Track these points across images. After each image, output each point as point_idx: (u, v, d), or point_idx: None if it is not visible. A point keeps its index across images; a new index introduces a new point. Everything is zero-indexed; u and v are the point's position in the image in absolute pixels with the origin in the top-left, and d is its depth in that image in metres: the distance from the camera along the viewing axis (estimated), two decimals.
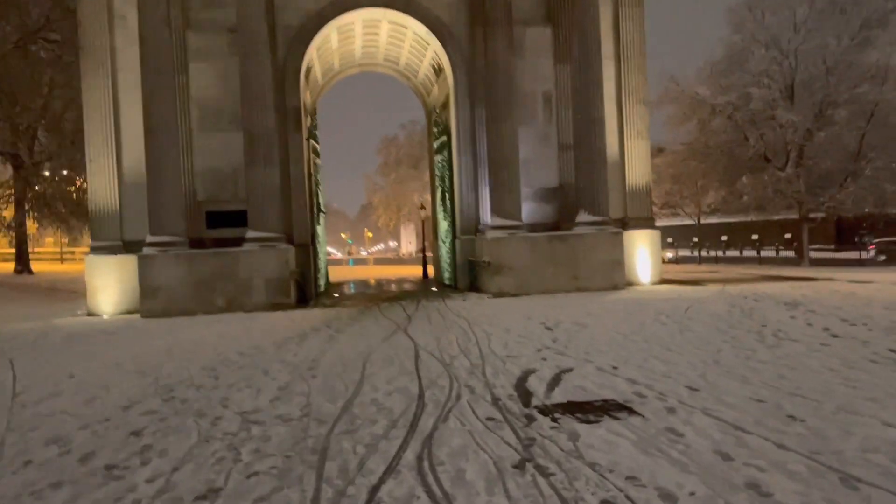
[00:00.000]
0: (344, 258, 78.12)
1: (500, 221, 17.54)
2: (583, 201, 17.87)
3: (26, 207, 37.57)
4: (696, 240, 44.19)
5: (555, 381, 6.69)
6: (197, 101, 18.40)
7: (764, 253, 40.74)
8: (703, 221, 38.28)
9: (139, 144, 17.31)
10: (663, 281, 19.51)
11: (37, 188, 36.18)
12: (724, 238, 43.59)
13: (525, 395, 6.18)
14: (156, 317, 16.17)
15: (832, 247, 40.87)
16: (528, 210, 18.48)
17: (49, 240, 63.47)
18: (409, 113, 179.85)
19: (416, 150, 57.82)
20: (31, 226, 49.34)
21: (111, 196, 18.09)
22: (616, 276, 17.56)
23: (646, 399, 5.90)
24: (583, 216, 17.84)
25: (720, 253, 41.16)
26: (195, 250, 16.86)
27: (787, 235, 41.82)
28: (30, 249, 40.15)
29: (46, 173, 36.86)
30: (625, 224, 19.00)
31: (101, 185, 18.04)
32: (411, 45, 21.19)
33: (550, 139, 19.37)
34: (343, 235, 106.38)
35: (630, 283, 18.23)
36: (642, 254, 19.09)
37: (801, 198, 26.60)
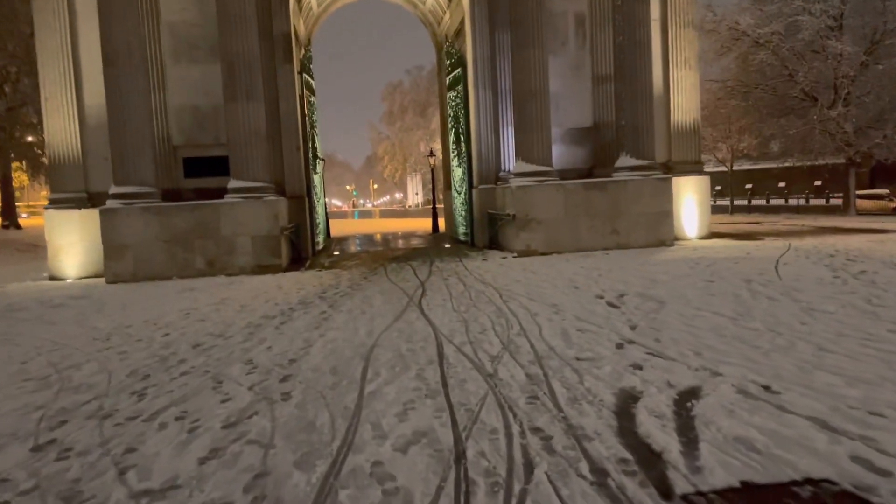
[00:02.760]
0: (348, 211, 75.14)
1: (526, 167, 14.60)
2: (624, 142, 14.89)
3: (11, 156, 34.79)
4: (718, 188, 41.06)
5: (686, 423, 3.87)
6: (169, 26, 15.33)
7: (791, 201, 37.72)
8: (723, 169, 35.10)
9: (102, 78, 14.30)
10: (712, 235, 16.63)
11: (17, 135, 33.26)
12: (748, 186, 40.44)
13: (650, 463, 3.38)
14: (123, 281, 13.46)
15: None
16: (558, 154, 15.52)
17: (44, 193, 60.65)
18: (416, 56, 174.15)
19: (423, 95, 54.40)
20: (21, 177, 46.44)
21: (72, 140, 15.18)
22: (663, 231, 14.68)
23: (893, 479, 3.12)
24: (624, 160, 14.88)
25: (744, 202, 38.07)
26: (169, 203, 14.00)
27: (817, 183, 38.69)
28: (26, 202, 37.48)
29: (34, 121, 33.96)
30: (669, 169, 16.06)
31: (60, 127, 15.12)
32: None
33: (583, 70, 16.27)
34: (348, 188, 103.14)
35: (675, 238, 15.37)
36: (689, 204, 16.18)
37: (849, 140, 23.51)
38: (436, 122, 51.61)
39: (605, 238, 14.51)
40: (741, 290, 8.31)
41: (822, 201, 36.66)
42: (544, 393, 4.57)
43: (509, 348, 5.94)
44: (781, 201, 38.90)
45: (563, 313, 7.45)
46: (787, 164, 37.10)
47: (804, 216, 26.50)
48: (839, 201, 33.97)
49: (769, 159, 39.26)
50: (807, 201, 36.55)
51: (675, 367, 5.04)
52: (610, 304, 7.83)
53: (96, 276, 14.76)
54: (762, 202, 39.35)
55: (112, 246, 13.58)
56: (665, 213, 14.67)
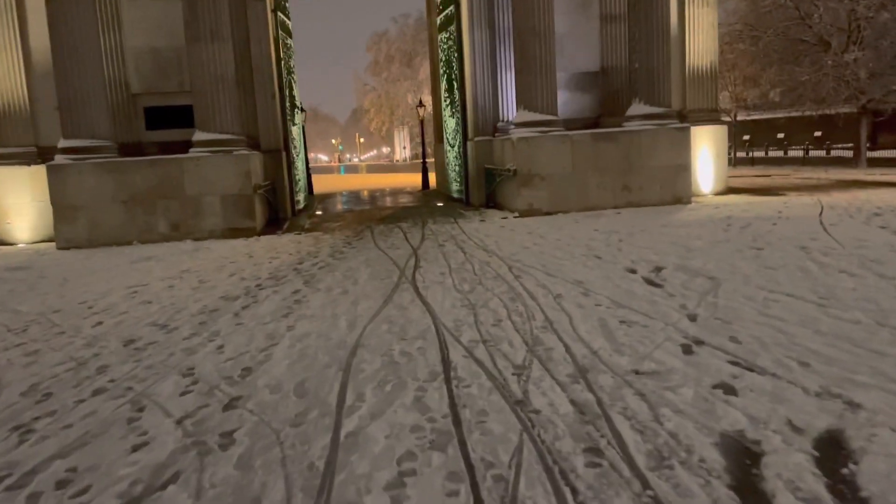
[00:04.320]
0: (334, 166, 72.87)
1: (528, 116, 12.88)
2: (637, 88, 13.17)
3: None
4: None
5: None
6: None
7: (790, 153, 36.08)
8: (726, 119, 33.41)
9: None
10: (729, 190, 15.07)
11: None
12: (745, 138, 38.74)
13: None
14: (77, 247, 11.78)
15: (867, 146, 36.17)
16: (562, 102, 13.75)
17: None
18: (403, 3, 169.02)
19: (410, 45, 51.91)
20: None
21: (16, 87, 13.25)
22: (680, 186, 13.09)
23: None
24: (637, 107, 13.19)
25: (742, 154, 36.41)
26: (126, 158, 12.21)
27: (817, 133, 37.04)
28: None
29: None
30: (683, 118, 14.38)
31: (4, 73, 13.17)
32: None
33: (591, 8, 14.43)
34: (333, 142, 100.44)
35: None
36: (705, 156, 14.57)
37: (862, 87, 21.82)
38: (424, 73, 49.27)
39: (616, 195, 12.91)
40: (803, 260, 6.78)
41: (821, 153, 35.08)
42: (609, 443, 3.02)
43: (537, 352, 4.39)
44: (780, 153, 37.26)
45: (594, 295, 5.88)
46: (786, 115, 35.35)
47: (813, 168, 24.95)
48: (841, 153, 32.41)
49: (765, 109, 37.55)
50: (806, 153, 34.95)
51: (784, 389, 3.51)
52: (649, 282, 6.27)
53: (50, 240, 13.03)
54: (760, 154, 37.73)
55: (62, 207, 11.84)
56: (682, 167, 13.06)
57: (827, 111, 23.39)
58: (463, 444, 3.11)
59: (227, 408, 3.76)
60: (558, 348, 4.43)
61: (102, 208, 11.89)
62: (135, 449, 3.29)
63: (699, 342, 4.39)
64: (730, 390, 3.54)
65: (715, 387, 3.60)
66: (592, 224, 10.92)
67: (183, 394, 4.04)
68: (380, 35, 57.31)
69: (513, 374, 3.99)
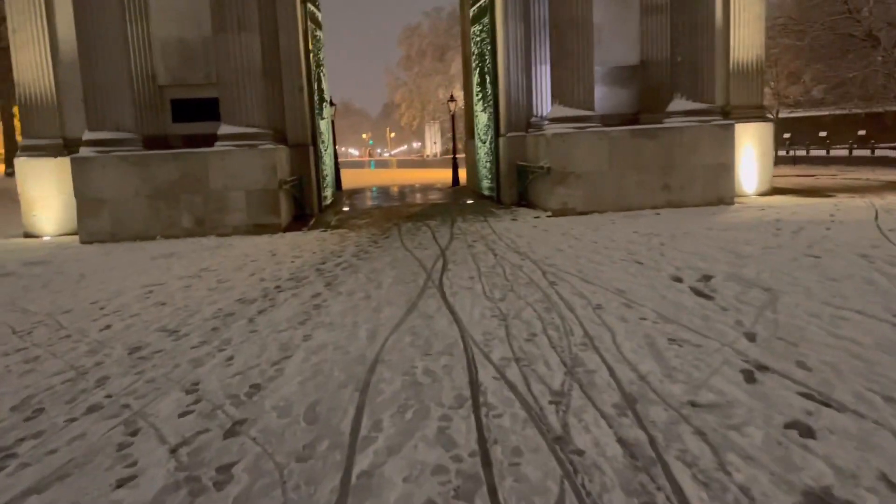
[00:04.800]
0: (365, 160, 72.72)
1: (564, 111, 12.33)
2: (679, 82, 12.54)
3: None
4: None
5: None
6: None
7: (833, 152, 34.87)
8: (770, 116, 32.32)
9: None
10: (774, 191, 14.35)
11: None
12: (785, 136, 37.57)
13: None
14: (100, 241, 11.56)
15: None
16: (599, 96, 13.13)
17: None
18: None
19: (442, 39, 51.40)
20: None
21: (44, 78, 13.07)
22: (723, 186, 12.44)
23: None
24: (678, 103, 12.55)
25: (783, 153, 35.28)
26: (150, 151, 11.94)
27: (861, 132, 35.75)
28: None
29: None
30: (726, 115, 13.68)
31: (30, 62, 12.99)
32: None
33: None
34: (364, 136, 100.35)
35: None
36: (749, 155, 13.87)
37: None
38: (455, 67, 48.75)
39: (655, 195, 12.31)
40: (868, 271, 6.17)
41: (866, 152, 33.83)
42: (668, 499, 2.53)
43: (577, 375, 3.90)
44: (822, 152, 36.04)
45: (637, 306, 5.37)
46: (829, 113, 34.20)
47: (859, 168, 23.94)
48: (887, 152, 31.27)
49: (808, 106, 36.36)
50: (850, 152, 33.73)
51: (872, 432, 2.98)
52: (697, 293, 5.73)
53: (76, 233, 12.82)
54: (802, 153, 36.53)
55: (86, 200, 11.61)
56: (725, 166, 12.40)
57: (875, 109, 22.40)
58: (493, 492, 2.64)
59: (228, 434, 3.34)
60: (601, 371, 3.94)
61: (126, 202, 11.64)
62: (120, 484, 2.89)
63: (762, 367, 3.86)
64: (806, 432, 3.02)
65: (788, 426, 3.09)
66: (631, 225, 10.36)
67: (183, 415, 3.63)
68: (412, 29, 56.90)
69: (550, 403, 3.51)
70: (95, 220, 11.62)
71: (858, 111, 23.54)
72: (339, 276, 7.50)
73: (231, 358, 4.60)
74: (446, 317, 5.43)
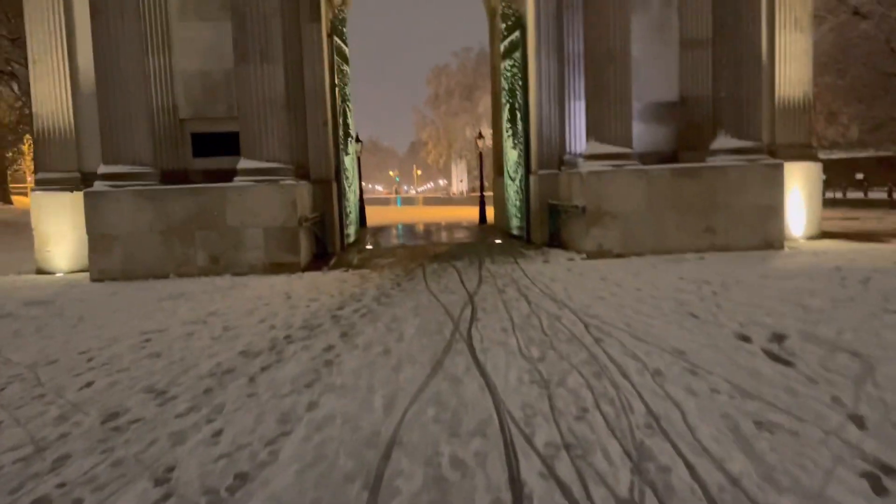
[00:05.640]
0: (391, 197, 72.47)
1: (600, 148, 11.55)
2: (723, 119, 11.70)
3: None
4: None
5: None
6: None
7: (872, 195, 33.55)
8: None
9: None
10: (823, 234, 13.34)
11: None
12: (822, 177, 36.46)
13: None
14: (111, 279, 10.93)
15: None
16: (636, 133, 12.28)
17: None
18: (464, 36, 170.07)
19: (470, 78, 51.29)
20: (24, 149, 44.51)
21: (63, 110, 12.66)
22: (771, 230, 11.49)
23: None
24: (722, 141, 11.71)
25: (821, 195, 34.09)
26: (165, 186, 11.36)
27: None
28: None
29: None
30: (771, 153, 12.77)
31: (49, 94, 12.59)
32: None
33: (669, 32, 13.08)
34: (391, 173, 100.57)
35: None
36: (796, 196, 12.93)
37: None
38: (483, 106, 48.45)
39: (698, 237, 11.40)
40: None
41: None
42: None
43: (647, 473, 3.02)
44: (860, 194, 34.77)
45: (705, 374, 4.47)
46: (865, 154, 33.07)
47: None
48: None
49: (845, 148, 35.21)
50: (889, 195, 32.44)
51: None
52: (773, 356, 4.82)
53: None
54: (838, 195, 35.29)
55: (98, 236, 11.02)
56: (774, 208, 11.47)
57: (875, 154, 21.34)
58: None
59: None
60: (678, 468, 3.05)
61: (139, 238, 11.03)
62: None
63: (888, 470, 2.95)
64: None
65: None
66: (674, 270, 9.45)
67: None
68: (440, 69, 56.96)
69: None
70: (107, 257, 11.00)
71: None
72: (357, 324, 6.69)
73: (219, 432, 3.79)
74: (477, 381, 4.58)
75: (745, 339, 5.37)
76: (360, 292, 8.79)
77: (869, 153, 29.30)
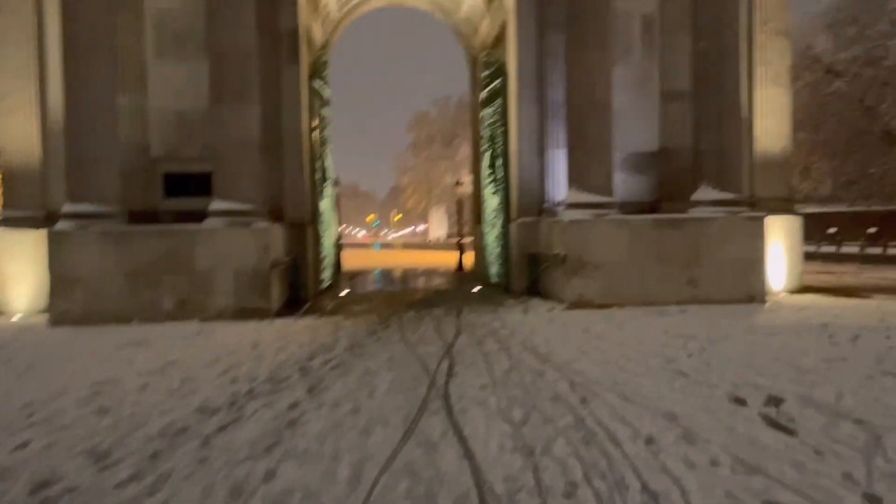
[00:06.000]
0: (369, 242, 72.15)
1: (581, 197, 11.35)
2: (705, 171, 11.60)
3: None
4: None
5: None
6: (153, 15, 12.41)
7: (844, 249, 33.82)
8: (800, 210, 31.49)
9: None
10: (803, 289, 13.18)
11: None
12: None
13: None
14: (72, 323, 10.31)
15: None
16: (616, 183, 12.16)
17: None
18: (446, 82, 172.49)
19: (450, 126, 51.63)
20: None
21: (31, 146, 12.22)
22: (753, 283, 11.30)
23: None
24: (704, 192, 11.58)
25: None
26: (132, 227, 10.90)
27: (871, 230, 34.82)
28: None
29: None
30: (751, 206, 12.67)
31: (18, 130, 12.16)
32: None
33: (650, 84, 13.07)
34: (369, 218, 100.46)
35: None
36: (776, 249, 12.79)
37: None
38: (462, 154, 48.69)
39: (680, 289, 11.15)
40: None
41: (877, 250, 32.79)
42: None
43: None
44: (832, 248, 35.05)
45: (702, 442, 4.10)
46: (836, 210, 33.44)
47: (876, 267, 22.86)
48: None
49: (817, 202, 35.69)
50: (862, 250, 32.75)
51: None
52: (772, 423, 4.47)
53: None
54: (811, 249, 35.57)
55: (59, 278, 10.46)
56: (756, 261, 11.30)
57: (892, 207, 21.53)
58: None
59: None
60: None
61: (103, 281, 10.50)
62: None
63: None
64: None
65: None
66: (658, 323, 9.15)
67: None
68: (421, 116, 57.36)
69: None
70: (68, 300, 10.43)
71: (877, 208, 22.63)
72: (326, 378, 6.24)
73: None
74: (454, 447, 4.16)
75: (740, 402, 5.01)
76: (332, 341, 8.34)
77: (841, 208, 29.65)
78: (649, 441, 4.15)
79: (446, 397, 5.41)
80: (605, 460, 3.84)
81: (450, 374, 6.31)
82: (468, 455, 4.01)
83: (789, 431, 4.29)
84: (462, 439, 4.30)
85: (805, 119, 21.93)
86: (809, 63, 20.48)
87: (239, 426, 4.72)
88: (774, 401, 4.96)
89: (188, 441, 4.41)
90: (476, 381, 5.94)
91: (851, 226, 36.05)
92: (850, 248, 34.37)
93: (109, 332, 9.56)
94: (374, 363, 6.90)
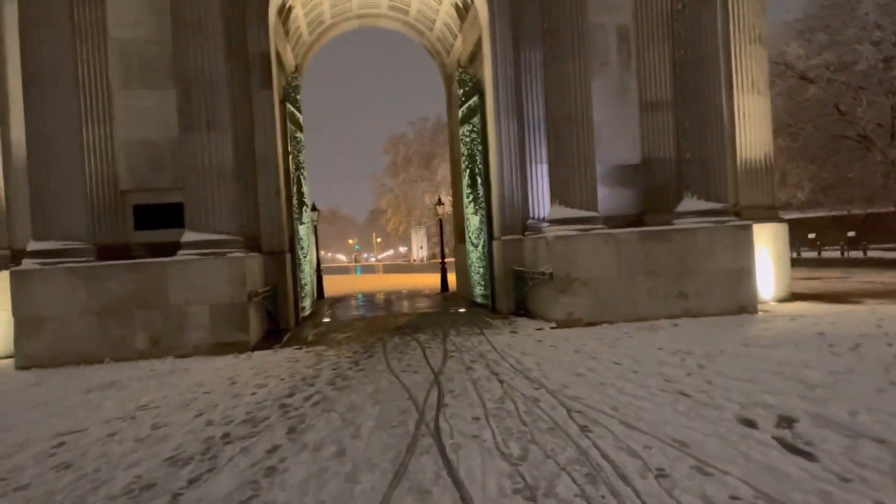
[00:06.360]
0: (351, 266, 71.61)
1: (565, 212, 11.09)
2: (689, 181, 11.39)
3: None
4: None
5: None
6: (119, 44, 12.06)
7: (826, 254, 34.00)
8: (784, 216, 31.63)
9: None
10: (793, 297, 12.98)
11: None
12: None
13: None
14: (39, 366, 9.87)
15: None
16: (600, 197, 11.88)
17: None
18: (423, 100, 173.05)
19: (427, 147, 51.52)
20: None
21: None
22: (744, 293, 11.06)
23: None
24: (689, 203, 11.36)
25: None
26: (102, 262, 10.43)
27: (851, 234, 35.07)
28: None
29: None
30: (736, 215, 12.46)
31: None
32: None
33: (629, 96, 12.90)
34: (350, 242, 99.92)
35: None
36: (764, 258, 12.56)
37: None
38: (441, 174, 48.51)
39: (670, 303, 10.88)
40: None
41: (858, 253, 32.97)
42: None
43: None
44: (814, 254, 35.22)
45: (718, 473, 3.77)
46: (815, 215, 33.72)
47: (861, 270, 22.81)
48: (881, 254, 30.62)
49: (796, 208, 35.89)
50: (842, 254, 32.90)
51: None
52: (788, 447, 4.15)
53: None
54: (793, 255, 35.70)
55: (25, 319, 9.98)
56: (746, 271, 11.07)
57: (872, 210, 21.56)
58: None
59: None
60: None
61: (71, 320, 10.02)
62: None
63: None
64: None
65: None
66: (651, 339, 8.85)
67: None
68: (397, 138, 57.22)
69: None
70: (35, 342, 9.95)
71: (857, 212, 22.66)
72: (308, 416, 5.84)
73: None
74: (449, 492, 3.79)
75: (751, 423, 4.70)
76: (313, 374, 7.94)
77: (820, 213, 29.76)
78: (661, 474, 3.81)
79: (437, 433, 5.04)
80: (615, 501, 3.48)
81: (439, 405, 5.94)
82: (465, 500, 3.64)
83: (809, 456, 3.97)
84: (457, 482, 3.93)
85: (781, 126, 21.94)
86: (783, 70, 20.55)
87: (212, 478, 4.31)
88: (786, 421, 4.65)
89: (156, 498, 4.00)
90: (467, 413, 5.58)
91: (831, 230, 36.33)
92: (831, 253, 34.59)
93: (78, 374, 9.08)
94: (359, 397, 6.51)
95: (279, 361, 9.14)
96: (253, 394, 6.99)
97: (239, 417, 5.95)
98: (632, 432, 4.67)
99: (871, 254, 32.41)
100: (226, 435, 5.37)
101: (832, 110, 20.35)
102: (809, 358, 6.91)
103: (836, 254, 33.82)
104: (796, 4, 22.04)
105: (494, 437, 4.80)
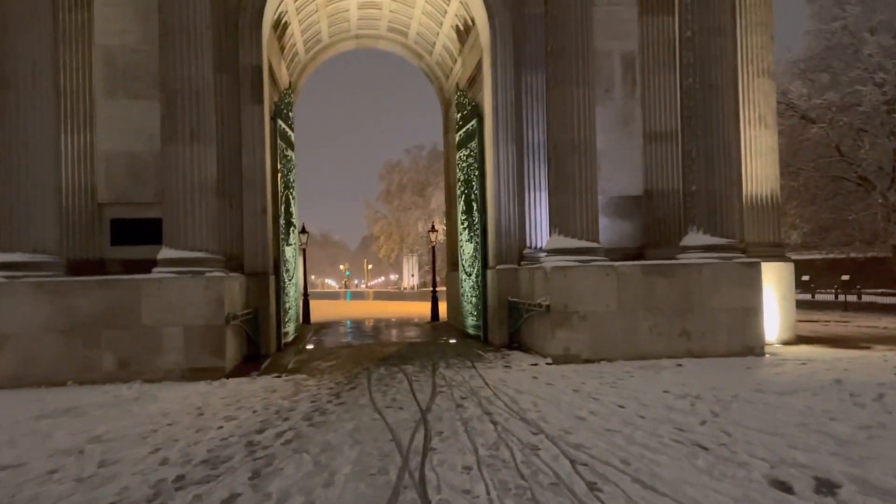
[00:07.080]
0: (341, 291, 70.73)
1: (564, 242, 10.51)
2: (695, 214, 10.84)
3: None
4: None
5: None
6: (104, 52, 11.52)
7: (819, 297, 33.54)
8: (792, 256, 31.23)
9: None
10: (799, 339, 12.38)
11: None
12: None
13: None
14: None
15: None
16: (600, 229, 11.35)
17: None
18: (418, 127, 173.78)
19: (422, 175, 51.20)
20: None
21: None
22: (750, 334, 10.47)
23: None
24: (694, 237, 10.80)
25: None
26: (70, 278, 9.74)
27: (845, 277, 34.64)
28: None
29: None
30: (742, 252, 11.93)
31: None
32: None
33: (633, 125, 12.44)
34: (341, 267, 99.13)
35: None
36: (769, 298, 11.94)
37: None
38: (435, 202, 48.08)
39: (672, 342, 10.26)
40: None
41: (852, 297, 32.52)
42: None
43: None
44: (808, 296, 34.75)
45: None
46: (809, 257, 33.31)
47: (859, 315, 22.29)
48: (874, 298, 30.24)
49: (799, 250, 35.53)
50: (836, 297, 32.45)
51: None
52: None
53: None
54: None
55: None
56: (753, 311, 10.48)
57: (875, 254, 21.12)
58: None
59: None
60: None
61: (35, 338, 9.29)
62: None
63: None
64: None
65: None
66: (655, 381, 8.21)
67: None
68: (392, 165, 56.94)
69: None
70: None
71: (855, 255, 22.23)
72: (277, 456, 5.15)
73: None
74: None
75: (786, 488, 4.05)
76: (289, 406, 7.24)
77: (815, 255, 29.34)
78: None
79: (422, 484, 4.37)
80: None
81: (426, 449, 5.26)
82: None
83: None
84: None
85: (781, 165, 21.53)
86: (784, 109, 20.23)
87: None
88: (827, 485, 4.01)
89: None
90: (457, 461, 4.90)
91: (825, 273, 35.91)
92: (824, 296, 34.11)
93: (37, 397, 8.32)
94: (336, 436, 5.82)
95: (254, 390, 8.44)
96: (220, 427, 6.29)
97: (199, 456, 5.24)
98: (648, 493, 4.01)
99: (865, 298, 32.03)
100: (179, 478, 4.67)
101: (833, 151, 20.00)
102: (832, 408, 6.27)
103: (830, 297, 33.41)
104: (797, 43, 21.80)
105: (489, 494, 4.13)
